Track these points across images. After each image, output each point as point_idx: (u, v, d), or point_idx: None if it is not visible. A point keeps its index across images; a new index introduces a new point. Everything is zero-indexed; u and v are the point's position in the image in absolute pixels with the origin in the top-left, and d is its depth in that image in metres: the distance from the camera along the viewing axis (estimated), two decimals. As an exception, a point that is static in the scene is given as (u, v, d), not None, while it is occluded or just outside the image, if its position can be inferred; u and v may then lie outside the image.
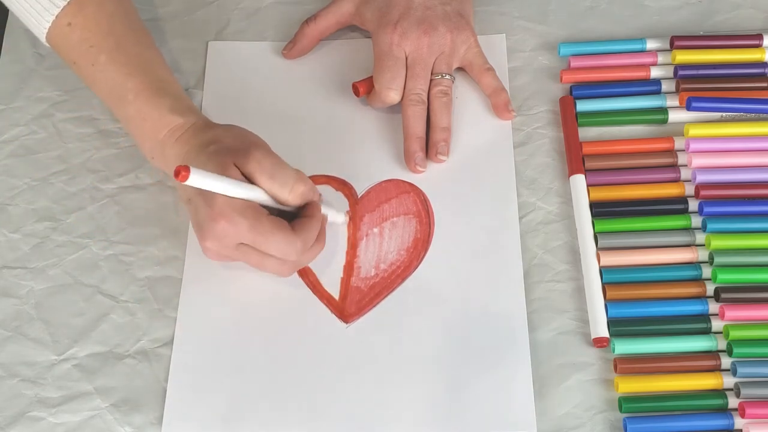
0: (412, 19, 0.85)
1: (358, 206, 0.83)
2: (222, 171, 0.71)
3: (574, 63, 0.88)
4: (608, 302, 0.77)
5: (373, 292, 0.79)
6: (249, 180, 0.73)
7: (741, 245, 0.79)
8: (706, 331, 0.76)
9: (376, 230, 0.82)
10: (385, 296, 0.78)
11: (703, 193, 0.81)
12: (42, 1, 0.78)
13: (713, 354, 0.75)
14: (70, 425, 0.74)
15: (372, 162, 0.85)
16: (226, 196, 0.71)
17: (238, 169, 0.72)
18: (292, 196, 0.74)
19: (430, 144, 0.84)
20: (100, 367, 0.76)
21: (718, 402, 0.73)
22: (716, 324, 0.76)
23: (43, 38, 0.80)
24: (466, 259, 0.80)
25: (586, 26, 0.92)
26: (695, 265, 0.79)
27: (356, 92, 0.87)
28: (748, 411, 0.72)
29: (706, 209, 0.80)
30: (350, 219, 0.82)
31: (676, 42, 0.88)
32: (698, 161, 0.82)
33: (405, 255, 0.80)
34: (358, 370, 0.75)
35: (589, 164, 0.83)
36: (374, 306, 0.78)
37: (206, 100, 0.88)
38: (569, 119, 0.86)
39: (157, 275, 0.80)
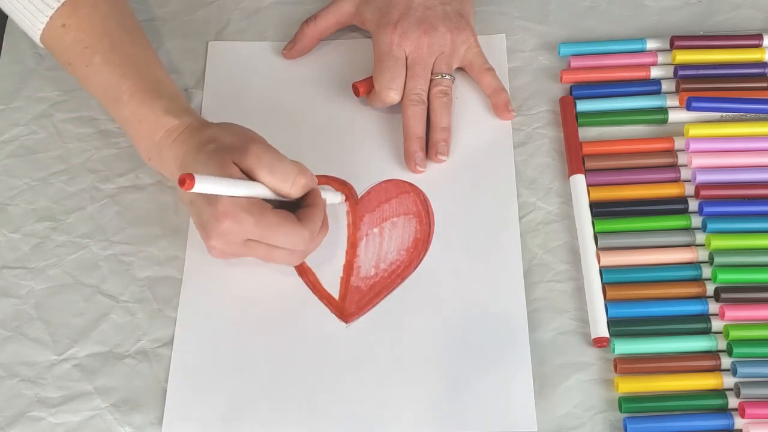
0: (412, 19, 0.85)
1: (358, 206, 0.83)
2: (222, 169, 0.71)
3: (574, 63, 0.88)
4: (608, 302, 0.77)
5: (373, 292, 0.79)
6: (249, 176, 0.73)
7: (741, 245, 0.79)
8: (706, 331, 0.76)
9: (376, 230, 0.82)
10: (385, 296, 0.78)
11: (703, 193, 0.81)
12: (35, 2, 0.78)
13: (713, 354, 0.75)
14: (70, 425, 0.74)
15: (372, 162, 0.85)
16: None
17: (238, 166, 0.72)
18: (294, 188, 0.74)
19: (430, 144, 0.84)
20: (100, 367, 0.76)
21: (718, 402, 0.73)
22: (716, 324, 0.76)
23: (37, 39, 0.80)
24: (466, 259, 0.80)
25: (586, 26, 0.92)
26: (695, 265, 0.78)
27: (356, 92, 0.87)
28: (748, 411, 0.72)
29: (706, 209, 0.80)
30: (347, 200, 0.82)
31: (676, 42, 0.88)
32: (698, 161, 0.82)
33: (405, 255, 0.80)
34: (358, 370, 0.75)
35: (589, 164, 0.83)
36: (374, 306, 0.78)
37: (206, 100, 0.88)
38: (569, 119, 0.86)
39: (157, 275, 0.80)
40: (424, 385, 0.74)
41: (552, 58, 0.90)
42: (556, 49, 0.90)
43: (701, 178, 0.82)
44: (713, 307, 0.77)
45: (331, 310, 0.78)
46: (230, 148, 0.73)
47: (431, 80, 0.85)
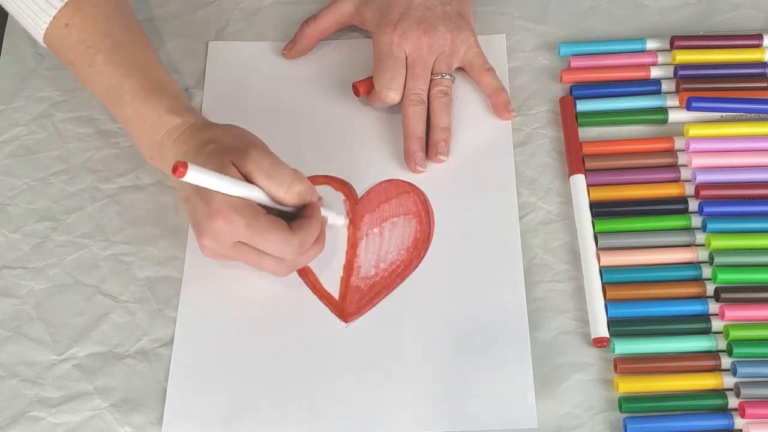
0: (412, 19, 0.85)
1: (358, 206, 0.83)
2: (221, 170, 0.71)
3: (574, 63, 0.88)
4: (608, 302, 0.77)
5: (373, 292, 0.79)
6: (247, 179, 0.73)
7: (741, 245, 0.79)
8: (706, 331, 0.76)
9: (376, 230, 0.82)
10: (385, 296, 0.78)
11: (703, 193, 0.81)
12: (39, 2, 0.78)
13: (713, 354, 0.75)
14: (70, 425, 0.74)
15: (372, 162, 0.85)
16: (223, 194, 0.71)
17: (237, 168, 0.72)
18: (289, 195, 0.74)
19: (430, 144, 0.84)
20: (100, 367, 0.76)
21: (718, 402, 0.73)
22: (716, 324, 0.76)
23: (40, 39, 0.80)
24: (466, 259, 0.80)
25: (586, 26, 0.92)
26: (695, 265, 0.79)
27: (356, 92, 0.87)
28: (748, 411, 0.72)
29: (706, 209, 0.80)
30: (350, 221, 0.82)
31: (676, 42, 0.88)
32: (698, 161, 0.82)
33: (405, 255, 0.80)
34: (358, 370, 0.75)
35: (589, 164, 0.83)
36: (374, 305, 0.78)
37: (206, 101, 0.88)
38: (569, 119, 0.86)
39: (157, 275, 0.80)
40: (424, 384, 0.74)
41: (552, 58, 0.90)
42: (556, 49, 0.90)
43: (701, 178, 0.82)
44: (713, 307, 0.77)
45: (331, 310, 0.78)
46: (230, 149, 0.73)
47: (431, 80, 0.85)
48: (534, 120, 0.87)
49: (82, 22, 0.79)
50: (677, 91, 0.86)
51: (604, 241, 0.79)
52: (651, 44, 0.89)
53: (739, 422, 0.72)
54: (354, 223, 0.82)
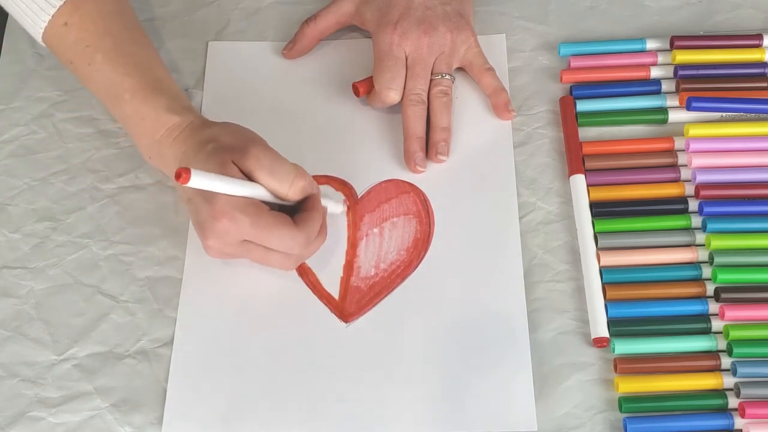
0: (412, 19, 0.85)
1: (358, 206, 0.83)
2: (221, 169, 0.71)
3: (574, 63, 0.88)
4: (608, 302, 0.77)
5: (373, 292, 0.79)
6: (248, 177, 0.73)
7: (741, 245, 0.79)
8: (706, 331, 0.76)
9: (376, 230, 0.82)
10: (385, 296, 0.78)
11: (703, 193, 0.81)
12: (38, 1, 0.78)
13: (713, 354, 0.75)
14: (70, 425, 0.74)
15: (372, 162, 0.85)
16: (226, 194, 0.71)
17: (237, 166, 0.72)
18: (292, 191, 0.74)
19: (430, 144, 0.84)
20: (100, 367, 0.76)
21: (718, 402, 0.73)
22: (716, 324, 0.76)
23: (39, 38, 0.80)
24: (466, 259, 0.80)
25: (586, 26, 0.92)
26: (695, 265, 0.79)
27: (356, 92, 0.87)
28: (748, 411, 0.72)
29: (706, 209, 0.80)
30: (348, 209, 0.82)
31: (676, 42, 0.88)
32: (698, 161, 0.82)
33: (405, 255, 0.80)
34: (358, 370, 0.75)
35: (589, 164, 0.83)
36: (374, 306, 0.78)
37: (206, 101, 0.88)
38: (569, 119, 0.86)
39: (157, 275, 0.80)
40: (424, 385, 0.74)
41: (552, 58, 0.90)
42: (556, 49, 0.90)
43: (701, 178, 0.82)
44: (713, 307, 0.77)
45: (331, 310, 0.78)
46: (230, 148, 0.73)
47: (431, 80, 0.85)
48: (534, 120, 0.87)
49: (81, 20, 0.79)
50: (677, 91, 0.86)
51: (604, 241, 0.79)
52: (651, 44, 0.89)
53: (739, 422, 0.72)
54: (354, 223, 0.82)
